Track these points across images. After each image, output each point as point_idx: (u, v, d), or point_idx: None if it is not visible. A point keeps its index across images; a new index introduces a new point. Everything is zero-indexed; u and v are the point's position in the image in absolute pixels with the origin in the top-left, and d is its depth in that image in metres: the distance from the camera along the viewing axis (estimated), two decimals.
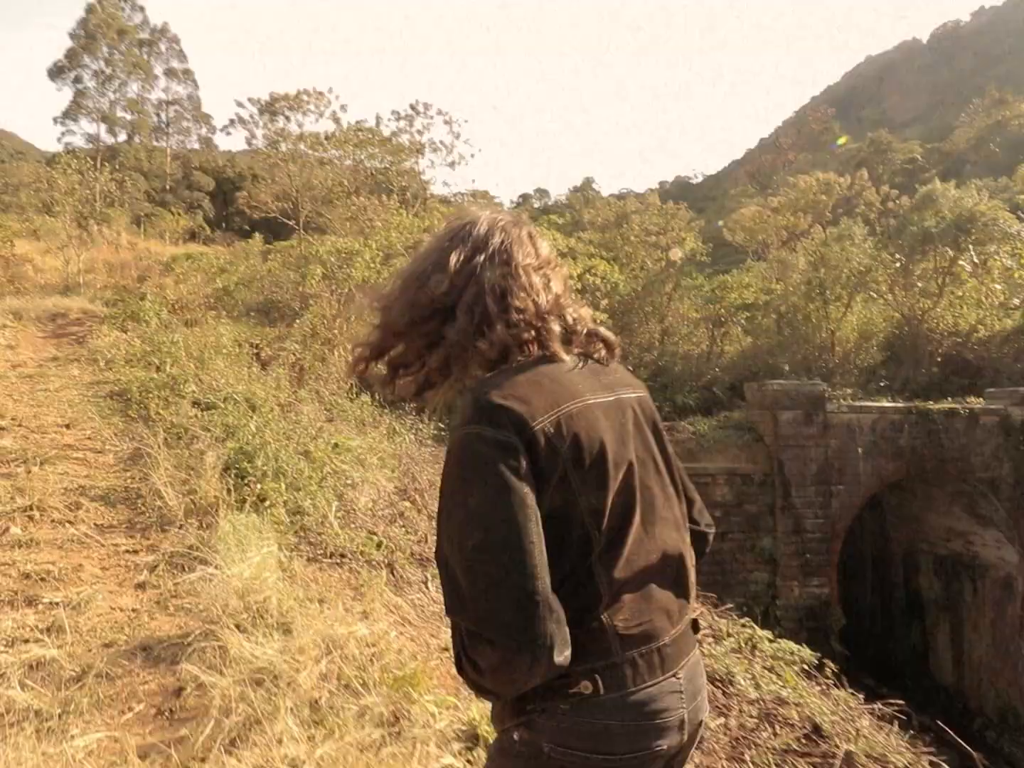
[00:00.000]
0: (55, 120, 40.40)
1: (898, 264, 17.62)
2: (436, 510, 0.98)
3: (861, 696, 2.97)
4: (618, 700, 0.95)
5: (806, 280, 17.57)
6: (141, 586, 2.76)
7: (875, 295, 18.11)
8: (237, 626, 2.26)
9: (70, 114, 40.92)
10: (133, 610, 2.57)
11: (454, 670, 1.03)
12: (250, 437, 3.96)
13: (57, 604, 2.48)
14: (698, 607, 1.39)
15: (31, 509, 3.22)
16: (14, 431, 4.24)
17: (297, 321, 9.60)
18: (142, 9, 42.76)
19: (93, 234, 21.26)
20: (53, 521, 3.21)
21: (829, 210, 17.12)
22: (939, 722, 3.31)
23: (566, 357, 1.04)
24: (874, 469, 13.05)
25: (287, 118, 14.97)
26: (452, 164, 15.96)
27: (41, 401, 5.06)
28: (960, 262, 17.34)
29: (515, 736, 0.98)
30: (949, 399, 14.08)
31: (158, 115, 48.95)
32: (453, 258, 1.05)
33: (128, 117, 44.51)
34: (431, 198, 16.81)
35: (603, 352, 1.11)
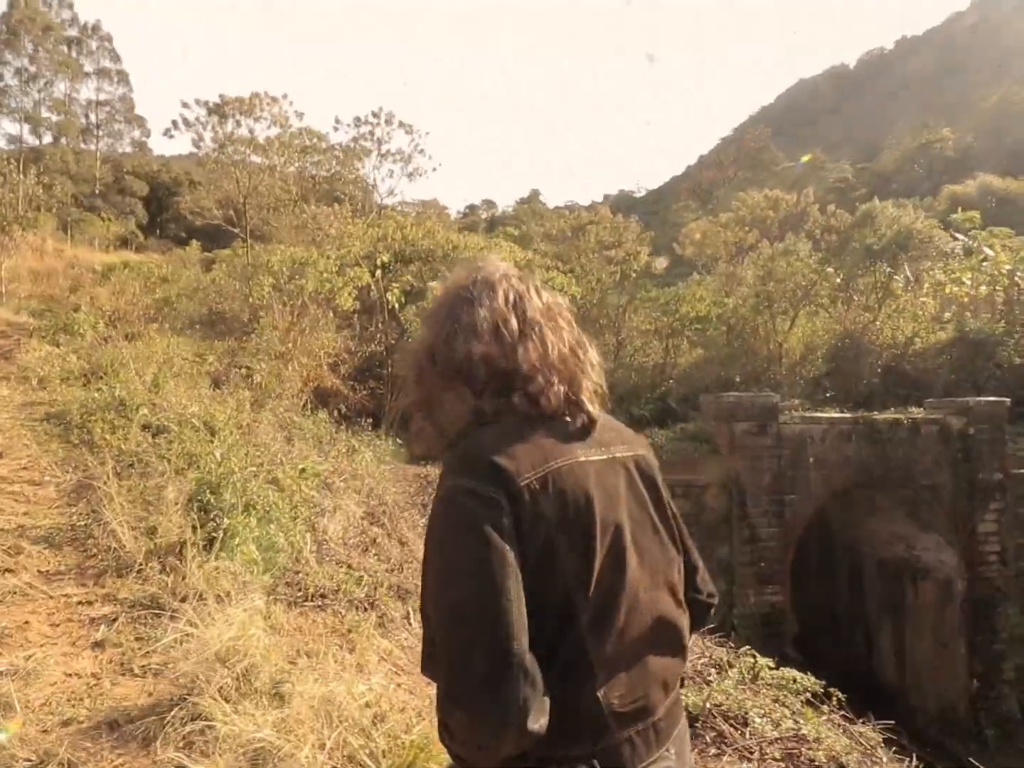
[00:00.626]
0: None
1: (840, 279, 18.35)
2: (418, 552, 0.97)
3: (875, 729, 2.89)
4: None
5: (754, 293, 18.04)
6: (99, 645, 2.41)
7: (819, 308, 18.75)
8: (222, 694, 1.97)
9: None
10: (93, 675, 2.23)
11: None
12: (214, 466, 3.61)
13: (1, 673, 2.13)
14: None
15: None
16: None
17: (253, 336, 9.13)
18: (71, 6, 40.73)
19: (17, 240, 19.91)
20: None
21: (776, 226, 17.65)
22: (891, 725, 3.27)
23: (559, 414, 1.02)
24: (824, 478, 13.40)
25: (237, 123, 14.38)
26: (411, 175, 15.69)
27: None
28: (895, 277, 18.18)
29: None
30: (892, 409, 14.62)
31: (87, 116, 46.70)
32: (464, 318, 1.05)
33: (54, 118, 42.26)
34: (388, 208, 16.46)
35: (595, 409, 1.08)
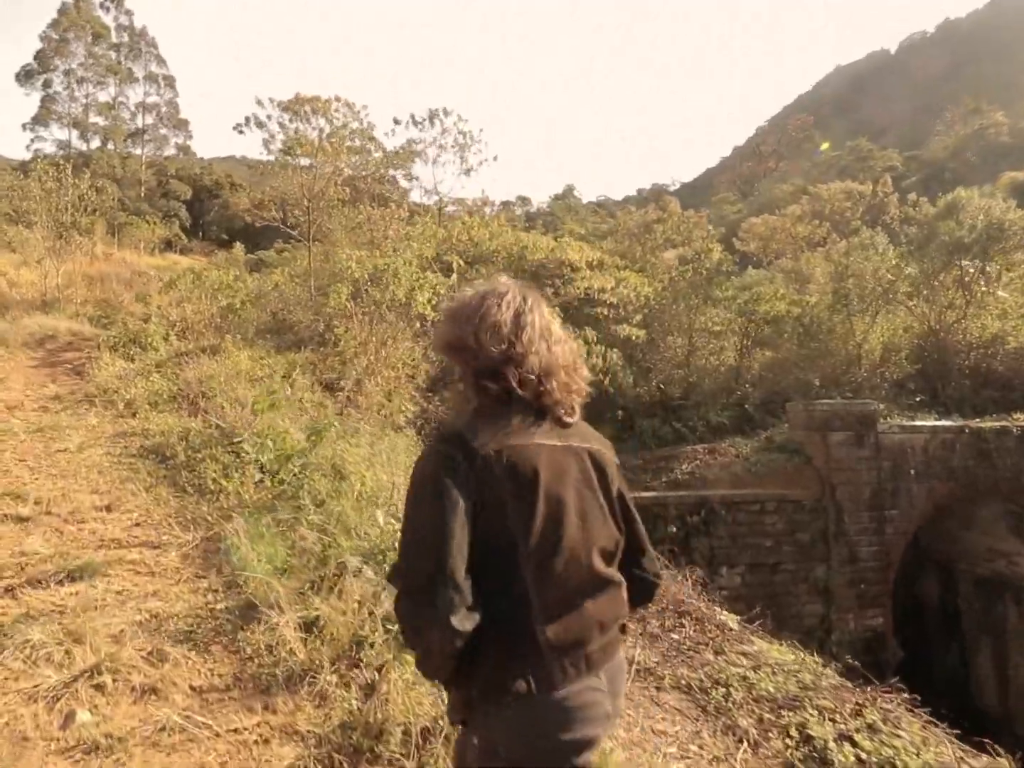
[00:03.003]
0: (24, 127, 38.58)
1: (924, 274, 17.12)
2: None
3: None
4: (549, 698, 1.13)
5: (830, 291, 16.95)
6: None
7: (901, 306, 17.55)
8: None
9: (40, 119, 39.14)
10: None
11: None
12: (375, 531, 2.94)
13: None
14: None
15: (97, 671, 2.18)
16: (43, 522, 3.16)
17: (328, 347, 8.54)
18: (128, 13, 41.13)
19: (72, 245, 19.83)
20: (131, 689, 2.17)
21: (858, 218, 16.53)
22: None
23: (535, 416, 1.26)
24: (927, 492, 12.36)
25: (309, 122, 13.85)
26: (468, 172, 15.03)
27: (64, 468, 3.97)
28: (986, 271, 16.89)
29: (475, 740, 1.18)
30: (992, 415, 13.49)
31: (133, 121, 47.23)
32: (475, 321, 1.30)
33: (101, 123, 42.78)
34: (446, 205, 15.82)
35: (569, 413, 1.31)
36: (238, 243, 38.36)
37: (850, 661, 5.10)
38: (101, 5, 40.51)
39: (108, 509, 3.45)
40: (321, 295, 12.30)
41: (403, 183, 20.74)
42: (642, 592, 1.41)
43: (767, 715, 3.50)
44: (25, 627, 2.29)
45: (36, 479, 3.71)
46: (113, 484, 3.83)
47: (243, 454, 4.17)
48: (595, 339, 11.84)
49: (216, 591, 2.85)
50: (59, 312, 14.99)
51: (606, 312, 13.01)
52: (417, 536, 1.14)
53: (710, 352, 15.70)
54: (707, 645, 4.63)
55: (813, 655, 4.50)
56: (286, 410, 5.18)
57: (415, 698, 2.15)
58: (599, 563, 1.25)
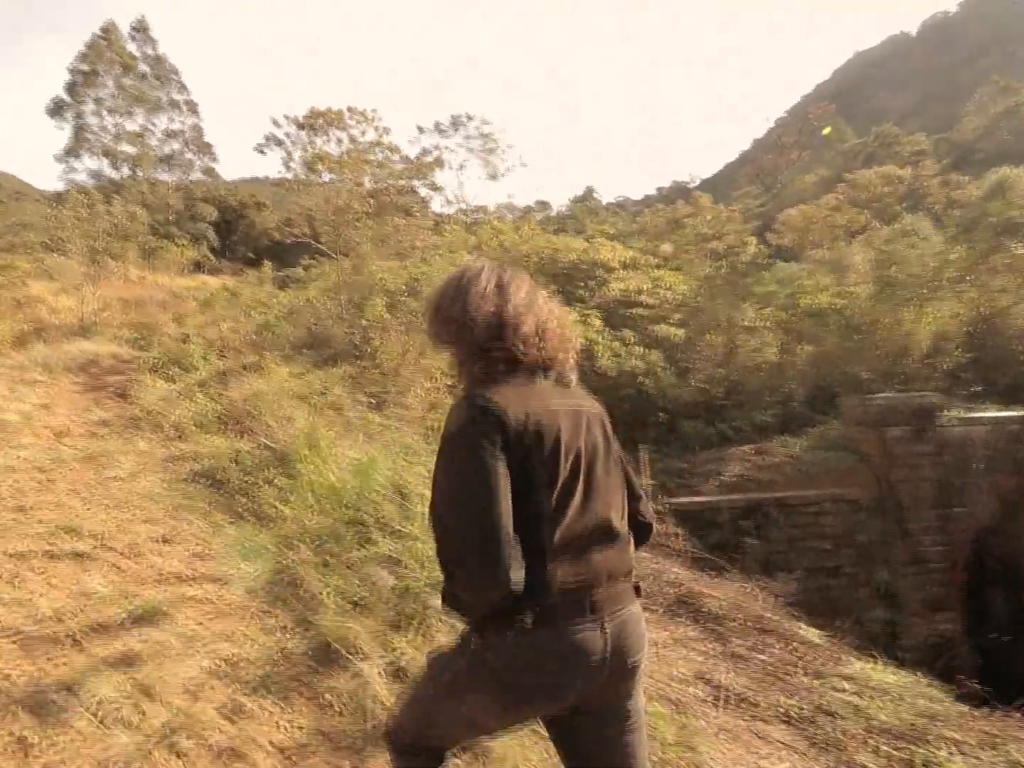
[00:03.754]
0: (56, 158, 39.55)
1: (972, 258, 16.43)
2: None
3: None
4: (547, 634, 1.21)
5: (874, 281, 16.35)
6: None
7: (948, 293, 16.85)
8: None
9: (72, 151, 40.10)
10: None
11: None
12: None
13: None
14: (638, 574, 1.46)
15: (172, 731, 1.96)
16: (100, 557, 2.99)
17: (365, 359, 8.37)
18: (153, 41, 42.06)
19: (107, 270, 20.15)
20: (209, 749, 1.94)
21: (898, 203, 15.94)
22: None
23: (541, 376, 1.37)
24: (992, 486, 11.74)
25: (327, 136, 13.83)
26: (493, 177, 14.84)
27: (118, 498, 3.81)
28: None
29: (471, 644, 1.27)
30: None
31: (160, 148, 48.22)
32: (466, 295, 1.37)
33: (131, 151, 43.71)
34: (473, 212, 15.66)
35: (568, 376, 1.43)
36: (266, 261, 38.83)
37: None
38: (129, 36, 41.51)
39: (166, 540, 3.27)
40: (354, 308, 12.22)
41: (424, 191, 20.65)
42: (642, 535, 1.53)
43: (886, 748, 3.17)
44: (94, 682, 2.08)
45: (90, 510, 3.55)
46: (168, 513, 3.66)
47: (298, 476, 3.96)
48: (633, 340, 11.52)
49: (287, 630, 2.62)
50: (98, 336, 15.15)
51: (643, 312, 12.68)
52: (468, 501, 1.19)
53: (751, 349, 15.23)
54: (799, 667, 4.28)
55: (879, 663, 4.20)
56: (335, 427, 4.98)
57: (522, 753, 1.89)
58: (611, 516, 1.34)
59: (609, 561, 1.31)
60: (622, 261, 13.02)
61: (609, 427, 1.44)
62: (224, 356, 9.22)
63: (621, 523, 1.37)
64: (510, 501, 1.17)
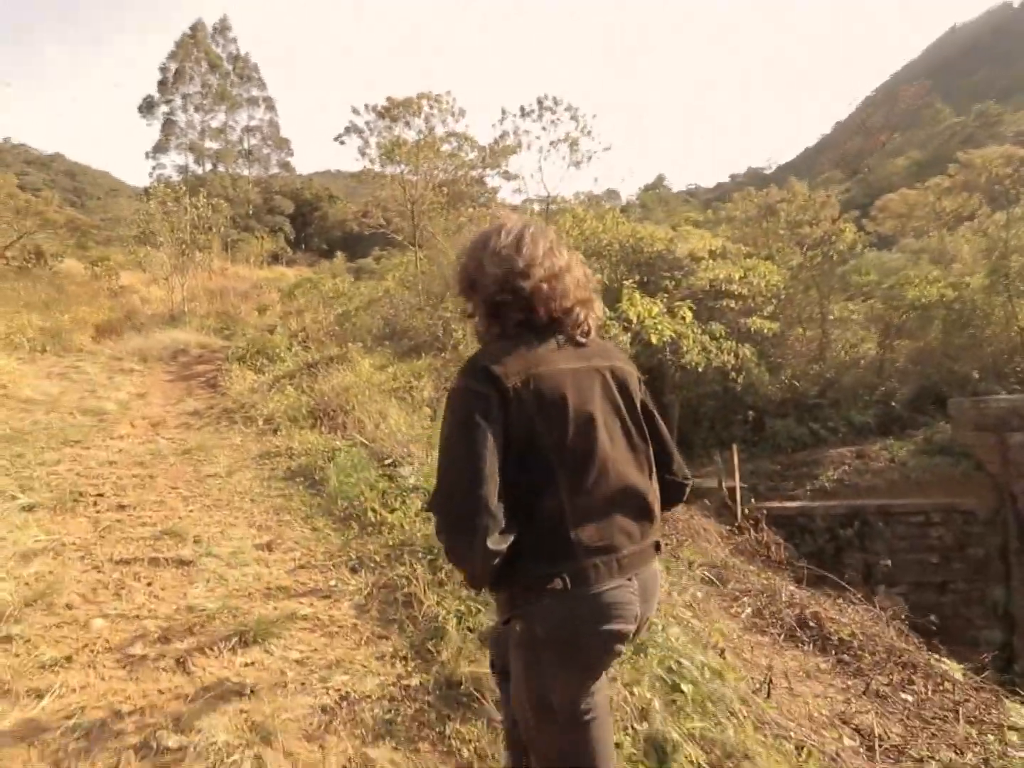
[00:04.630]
0: (146, 155, 41.60)
1: None
2: None
3: None
4: (584, 594, 1.23)
5: (988, 271, 14.94)
6: None
7: None
8: None
9: (160, 147, 42.05)
10: None
11: None
12: None
13: None
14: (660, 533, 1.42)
15: None
16: (205, 566, 2.80)
17: (447, 352, 8.15)
18: (234, 40, 43.60)
19: (193, 261, 20.92)
20: None
21: (1017, 187, 14.47)
22: None
23: (553, 335, 1.34)
24: None
25: (407, 124, 13.71)
26: (578, 163, 14.35)
27: (217, 497, 3.67)
28: None
29: (517, 628, 1.28)
30: None
31: (240, 143, 49.99)
32: (486, 251, 1.37)
33: (215, 147, 45.50)
34: (553, 201, 15.24)
35: (585, 331, 1.38)
36: (339, 252, 39.72)
37: None
38: (211, 36, 43.14)
39: (269, 548, 3.06)
40: (433, 299, 12.07)
41: (496, 181, 20.37)
42: (674, 493, 1.50)
43: None
44: (207, 720, 1.84)
45: (191, 511, 3.41)
46: (268, 515, 3.48)
47: (399, 479, 3.72)
48: (723, 333, 10.87)
49: (405, 659, 2.34)
50: (186, 325, 15.67)
51: (733, 304, 11.97)
52: (453, 469, 1.21)
53: (848, 344, 14.19)
54: (952, 711, 3.73)
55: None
56: (428, 423, 4.73)
57: None
58: (630, 476, 1.32)
59: (634, 521, 1.32)
60: (710, 250, 12.33)
61: (634, 381, 1.41)
62: (307, 346, 9.20)
63: (645, 482, 1.36)
64: (496, 469, 1.18)
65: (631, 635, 1.30)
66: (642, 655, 2.21)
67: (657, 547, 1.38)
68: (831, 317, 13.82)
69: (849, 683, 4.00)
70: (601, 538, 1.25)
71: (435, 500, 1.24)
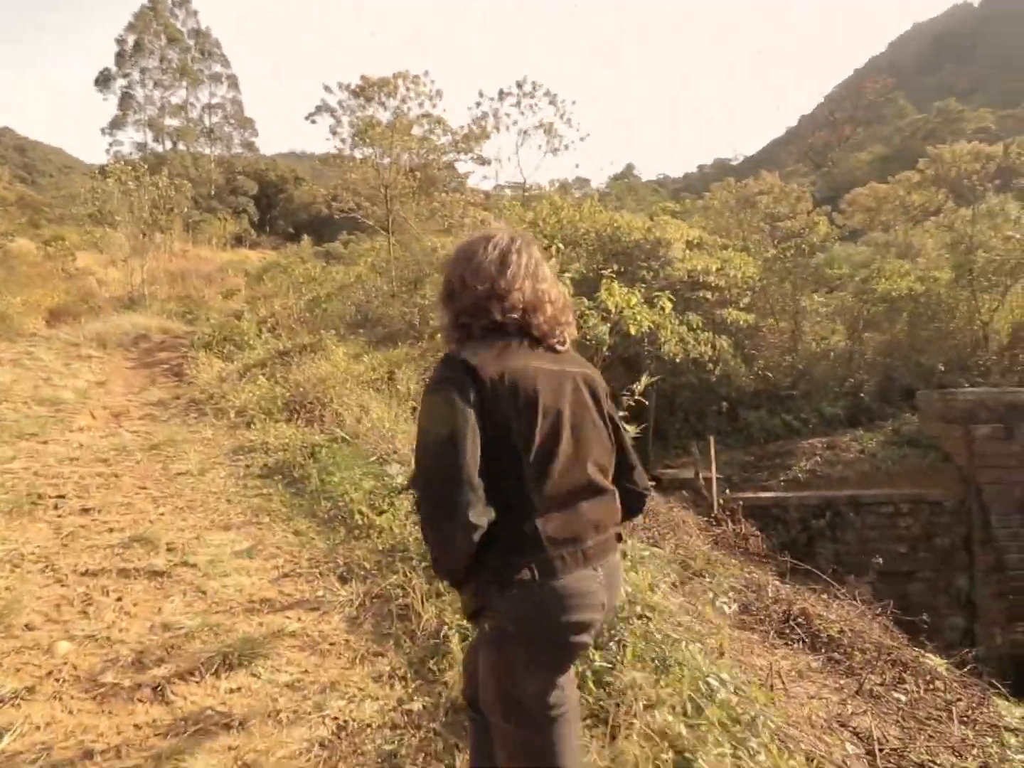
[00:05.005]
0: (103, 131, 39.90)
1: None
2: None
3: None
4: (551, 584, 1.24)
5: (953, 265, 15.25)
6: None
7: None
8: None
9: (118, 123, 40.38)
10: None
11: None
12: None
13: None
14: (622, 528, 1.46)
15: None
16: (180, 577, 2.57)
17: (424, 342, 7.91)
18: (195, 13, 41.90)
19: (155, 243, 20.12)
20: None
21: (983, 183, 14.76)
22: None
23: (524, 341, 1.36)
24: None
25: (382, 104, 13.27)
26: (555, 151, 14.12)
27: (190, 498, 3.41)
28: None
29: (487, 626, 1.30)
30: None
31: (201, 121, 48.32)
32: (468, 263, 1.39)
33: (175, 124, 43.88)
34: (530, 189, 15.01)
35: (560, 342, 1.42)
36: (305, 236, 38.79)
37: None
38: (170, 9, 41.39)
39: (249, 555, 2.84)
40: (406, 285, 11.78)
41: (469, 166, 20.01)
42: (634, 503, 1.52)
43: None
44: (191, 763, 1.64)
45: (162, 514, 3.15)
46: (246, 518, 3.24)
47: (385, 477, 3.51)
48: (699, 324, 10.84)
49: (405, 680, 2.17)
50: (145, 309, 15.05)
51: (709, 295, 11.95)
52: (435, 445, 1.22)
53: (819, 337, 14.35)
54: (946, 710, 3.71)
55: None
56: (409, 415, 4.52)
57: None
58: (594, 472, 1.36)
59: (597, 514, 1.35)
60: (688, 240, 12.28)
61: (603, 391, 1.45)
62: (277, 334, 8.86)
63: (606, 480, 1.40)
64: (477, 447, 1.21)
65: (598, 624, 1.33)
66: (662, 674, 2.08)
67: (619, 538, 1.43)
68: (805, 308, 13.92)
69: (841, 682, 3.95)
70: (567, 529, 1.28)
71: (415, 476, 1.27)
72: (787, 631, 4.64)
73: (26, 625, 2.17)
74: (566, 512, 1.28)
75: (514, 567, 1.22)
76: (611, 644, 2.31)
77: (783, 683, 3.60)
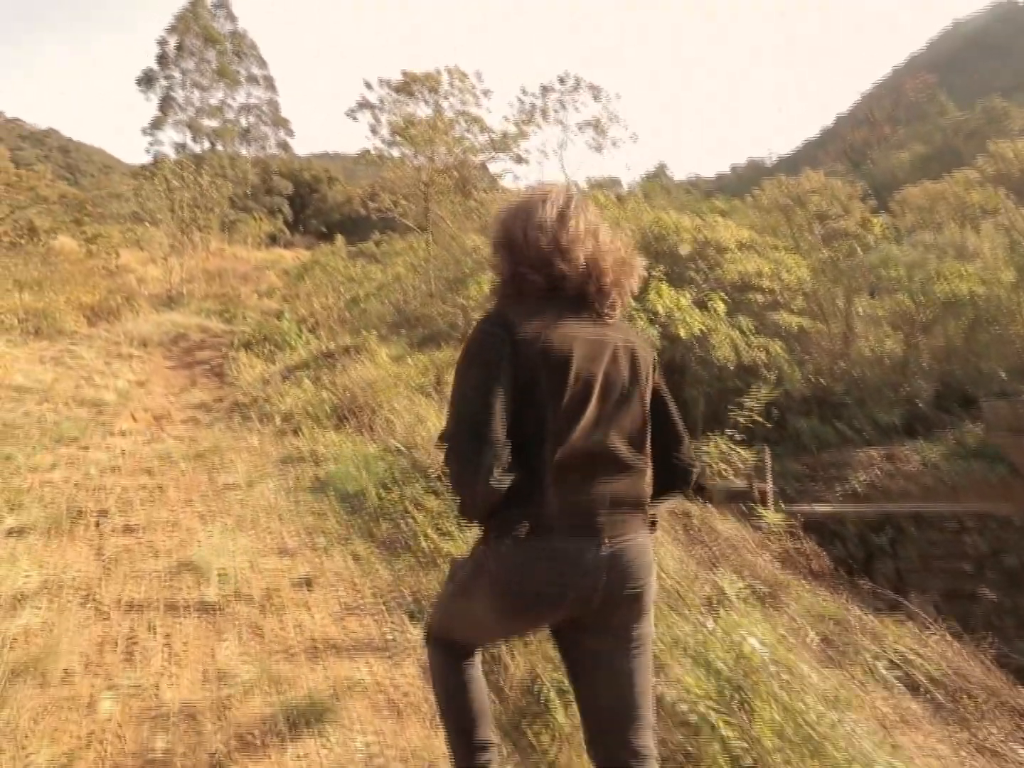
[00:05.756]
0: (143, 131, 40.57)
1: None
2: None
3: None
4: (541, 545, 1.24)
5: (1016, 267, 14.45)
6: None
7: None
8: None
9: (158, 123, 41.05)
10: None
11: None
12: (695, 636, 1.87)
13: None
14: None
15: None
16: (234, 614, 2.27)
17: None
18: (233, 17, 42.45)
19: (192, 241, 20.24)
20: None
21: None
22: None
23: (573, 307, 1.33)
24: None
25: (425, 101, 13.01)
26: (599, 148, 13.69)
27: (239, 514, 3.14)
28: None
29: (479, 549, 1.34)
30: None
31: (238, 122, 48.90)
32: (527, 218, 1.36)
33: (213, 125, 44.46)
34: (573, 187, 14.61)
35: (612, 308, 1.37)
36: (339, 235, 38.95)
37: None
38: (210, 11, 41.96)
39: (308, 585, 2.54)
40: (445, 285, 11.50)
41: (507, 164, 19.71)
42: (680, 478, 1.47)
43: None
44: None
45: (210, 535, 2.87)
46: (301, 539, 2.95)
47: (450, 496, 3.19)
48: (751, 328, 10.35)
49: (499, 751, 1.82)
50: (184, 307, 15.05)
51: (760, 298, 11.44)
52: (465, 404, 1.24)
53: (875, 340, 13.70)
54: None
55: None
56: None
57: None
58: (619, 445, 1.32)
59: (615, 488, 1.31)
60: (739, 241, 11.78)
61: (646, 361, 1.40)
62: (317, 334, 8.65)
63: (634, 455, 1.35)
64: (502, 407, 1.21)
65: (583, 604, 1.28)
66: (812, 758, 1.71)
67: (653, 525, 1.39)
68: (860, 313, 13.28)
69: (951, 732, 3.51)
70: (576, 497, 1.27)
71: (446, 432, 1.26)
72: (881, 670, 4.21)
73: (64, 672, 1.89)
74: (580, 481, 1.27)
75: (515, 521, 1.24)
76: (737, 711, 1.95)
77: (887, 732, 3.19)
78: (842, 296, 13.65)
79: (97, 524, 2.84)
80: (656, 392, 1.42)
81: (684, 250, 11.13)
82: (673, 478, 1.44)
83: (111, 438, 4.44)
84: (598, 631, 1.32)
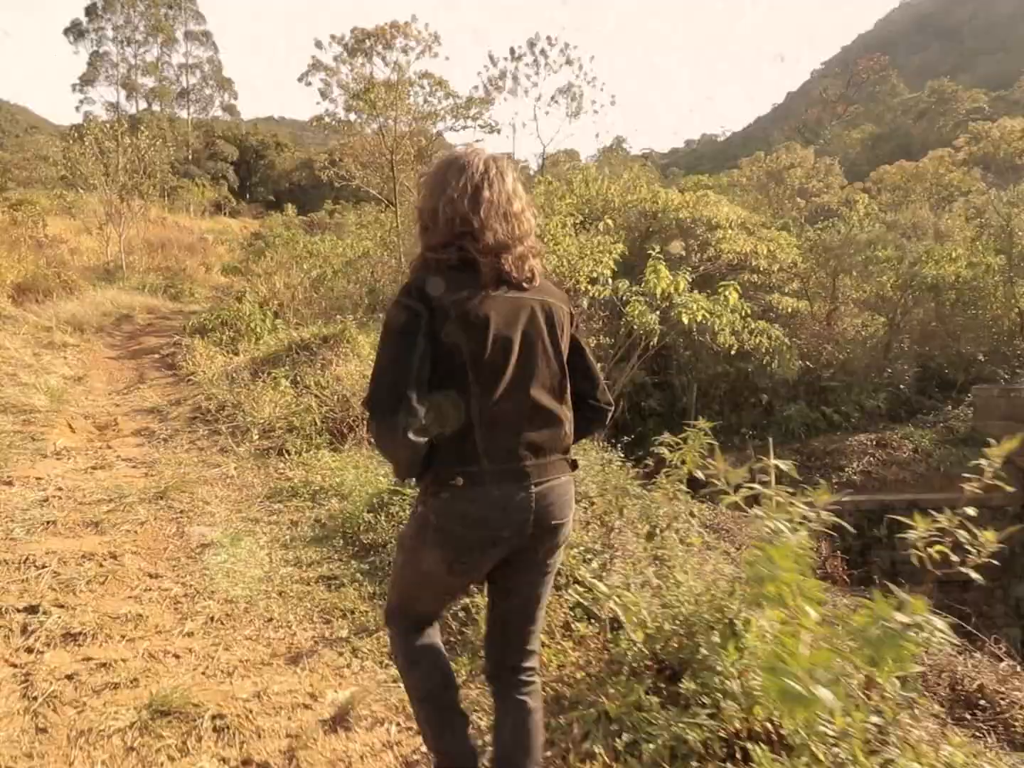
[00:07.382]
0: (73, 87, 37.44)
1: None
2: None
3: None
4: (476, 493, 1.33)
5: (996, 250, 14.35)
6: None
7: None
8: None
9: (88, 79, 37.94)
10: None
11: None
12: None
13: None
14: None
15: None
16: (227, 727, 1.46)
17: None
18: None
19: (133, 209, 18.52)
20: None
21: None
22: None
23: (487, 272, 1.35)
24: None
25: (382, 57, 11.83)
26: (577, 114, 12.80)
27: (225, 597, 2.23)
28: None
29: (418, 509, 1.42)
30: None
31: (178, 81, 45.68)
32: (438, 191, 1.39)
33: (149, 83, 41.40)
34: (549, 156, 13.69)
35: (528, 280, 1.41)
36: (289, 204, 36.98)
37: None
38: None
39: (343, 725, 1.74)
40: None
41: (477, 134, 18.63)
42: (596, 418, 1.58)
43: None
44: None
45: (191, 639, 2.00)
46: (316, 633, 2.11)
47: None
48: (750, 312, 9.81)
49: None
50: (124, 282, 13.62)
51: (755, 279, 10.92)
52: (381, 372, 1.30)
53: (862, 324, 13.42)
54: None
55: None
56: None
57: None
58: (541, 397, 1.40)
59: (539, 437, 1.38)
60: (730, 220, 11.18)
61: (561, 316, 1.45)
62: (283, 318, 7.65)
63: (556, 405, 1.42)
64: (421, 373, 1.27)
65: (514, 540, 1.37)
66: None
67: (573, 465, 1.48)
68: (851, 295, 12.94)
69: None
70: (504, 447, 1.34)
71: (367, 396, 1.31)
72: (955, 708, 3.67)
73: None
74: (506, 432, 1.34)
75: (449, 475, 1.32)
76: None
77: None
78: (829, 276, 13.29)
79: (22, 630, 1.93)
80: (573, 341, 1.49)
81: (676, 249, 10.53)
82: (590, 419, 1.54)
83: (41, 463, 3.48)
84: (524, 566, 1.43)
